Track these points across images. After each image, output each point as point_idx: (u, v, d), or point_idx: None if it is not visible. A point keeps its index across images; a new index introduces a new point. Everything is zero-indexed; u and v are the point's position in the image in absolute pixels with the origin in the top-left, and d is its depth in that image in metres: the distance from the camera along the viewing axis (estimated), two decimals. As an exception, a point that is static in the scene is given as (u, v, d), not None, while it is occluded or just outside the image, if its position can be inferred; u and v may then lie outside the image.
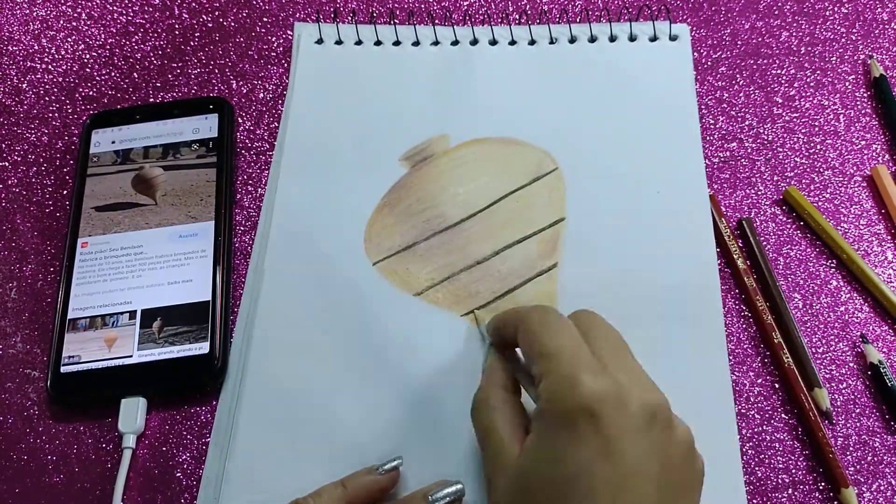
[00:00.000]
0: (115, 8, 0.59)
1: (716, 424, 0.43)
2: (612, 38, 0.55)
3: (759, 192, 0.51)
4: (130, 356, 0.45)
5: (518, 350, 0.40)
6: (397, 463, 0.41)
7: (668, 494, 0.32)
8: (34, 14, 0.59)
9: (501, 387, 0.39)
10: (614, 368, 0.34)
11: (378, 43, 0.56)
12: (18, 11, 0.59)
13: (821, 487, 0.42)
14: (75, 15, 0.59)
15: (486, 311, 0.46)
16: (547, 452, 0.33)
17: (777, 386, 0.45)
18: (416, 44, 0.55)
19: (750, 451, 0.43)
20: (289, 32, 0.57)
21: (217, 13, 0.59)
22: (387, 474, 0.40)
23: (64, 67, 0.57)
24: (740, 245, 0.49)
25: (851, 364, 0.46)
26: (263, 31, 0.58)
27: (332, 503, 0.38)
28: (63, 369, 0.45)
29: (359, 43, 0.56)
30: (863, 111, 0.53)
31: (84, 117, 0.55)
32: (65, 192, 0.52)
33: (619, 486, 0.31)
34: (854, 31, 0.56)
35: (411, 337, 0.45)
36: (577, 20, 0.56)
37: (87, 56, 0.57)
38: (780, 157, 0.52)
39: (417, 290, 0.47)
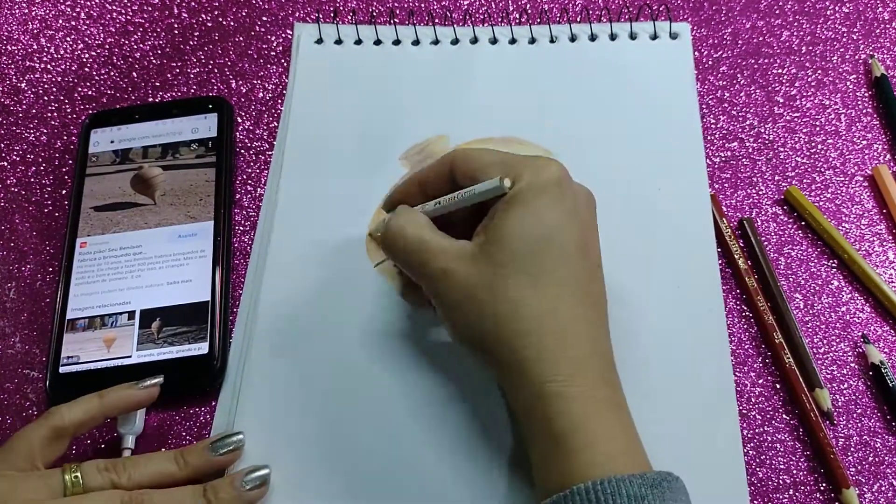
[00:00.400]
0: (114, 7, 0.59)
1: (718, 424, 0.43)
2: (613, 37, 0.55)
3: (760, 192, 0.51)
4: (129, 356, 0.45)
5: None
6: (157, 381, 0.42)
7: (598, 253, 0.41)
8: (33, 14, 0.59)
9: (415, 213, 0.42)
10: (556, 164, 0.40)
11: (378, 42, 0.55)
12: (18, 11, 0.59)
13: (822, 488, 0.42)
14: (74, 14, 0.59)
15: None
16: (528, 216, 0.38)
17: (778, 386, 0.45)
18: (416, 43, 0.55)
19: (751, 452, 0.43)
20: (288, 32, 0.57)
21: (216, 13, 0.59)
22: (145, 389, 0.42)
23: (63, 67, 0.57)
24: (741, 245, 0.48)
25: (853, 364, 0.45)
26: (263, 30, 0.58)
27: (87, 411, 0.41)
28: (62, 369, 0.45)
29: (358, 42, 0.56)
30: (864, 111, 0.53)
31: (83, 117, 0.54)
32: (64, 191, 0.52)
33: (583, 243, 0.39)
34: (855, 30, 0.56)
35: (411, 336, 0.45)
36: (578, 19, 0.56)
37: (86, 56, 0.57)
38: (781, 156, 0.52)
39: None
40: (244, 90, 0.55)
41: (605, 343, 0.39)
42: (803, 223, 0.50)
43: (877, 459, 0.43)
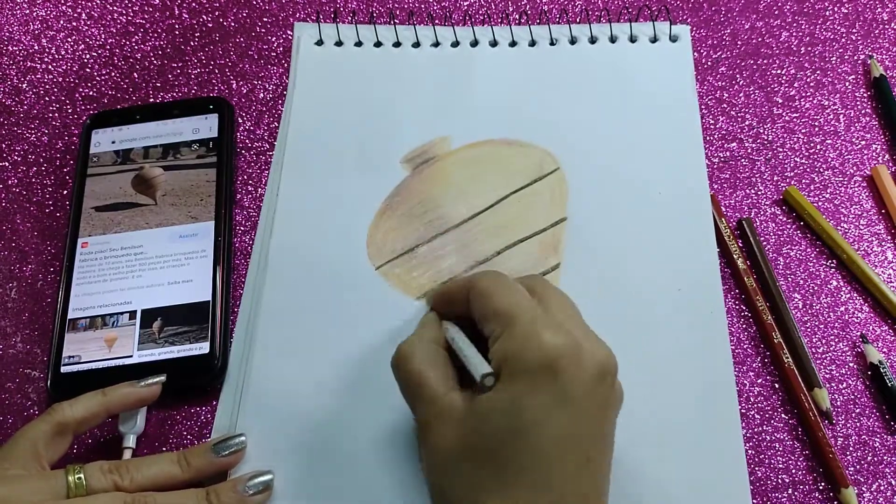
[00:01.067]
0: (115, 8, 0.59)
1: (719, 424, 0.43)
2: (613, 39, 0.55)
3: (759, 192, 0.51)
4: (130, 356, 0.45)
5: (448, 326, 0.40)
6: (160, 379, 0.43)
7: (608, 444, 0.36)
8: (34, 14, 0.59)
9: (433, 341, 0.39)
10: (569, 326, 0.36)
11: (378, 44, 0.56)
12: (18, 11, 0.59)
13: (821, 487, 0.42)
14: (75, 15, 0.59)
15: None
16: (504, 402, 0.34)
17: (777, 386, 0.45)
18: (417, 45, 0.55)
19: (750, 451, 0.43)
20: (289, 32, 0.57)
21: (217, 13, 0.59)
22: (147, 387, 0.42)
23: (64, 67, 0.57)
24: (740, 245, 0.49)
25: (851, 364, 0.46)
26: (263, 31, 0.58)
27: (89, 408, 0.41)
28: (63, 369, 0.45)
29: (359, 44, 0.56)
30: (863, 111, 0.53)
31: (84, 117, 0.55)
32: (65, 192, 0.52)
33: (569, 439, 0.34)
34: (854, 31, 0.56)
35: None
36: (577, 20, 0.56)
37: (87, 56, 0.57)
38: (780, 157, 0.52)
39: (420, 293, 0.47)
40: (245, 91, 0.55)
41: None
42: (802, 223, 0.50)
43: (875, 459, 0.43)
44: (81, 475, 0.38)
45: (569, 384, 0.34)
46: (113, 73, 0.57)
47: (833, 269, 0.48)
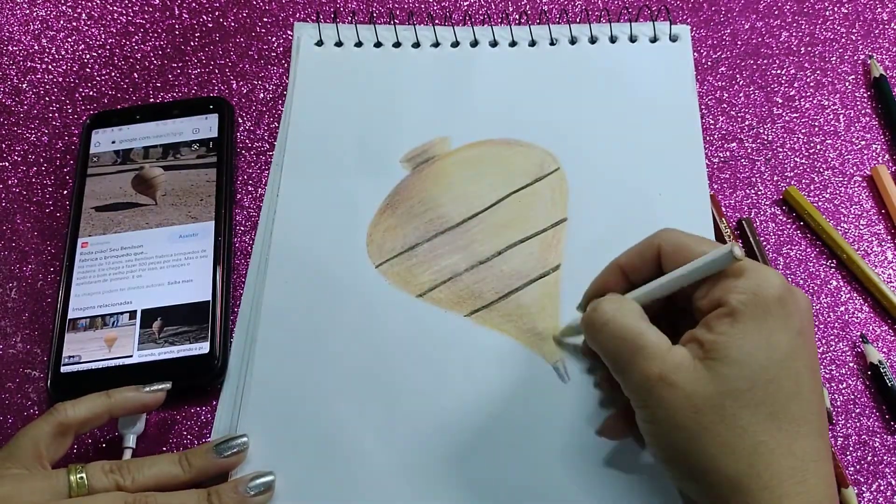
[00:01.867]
0: (115, 8, 0.59)
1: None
2: (613, 40, 0.55)
3: (759, 192, 0.51)
4: (130, 356, 0.45)
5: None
6: (164, 387, 0.43)
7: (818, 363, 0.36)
8: (34, 14, 0.59)
9: (632, 302, 0.38)
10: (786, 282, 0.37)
11: (378, 44, 0.56)
12: (18, 11, 0.59)
13: (821, 487, 0.42)
14: (75, 15, 0.59)
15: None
16: (761, 339, 0.34)
17: (777, 386, 0.45)
18: (417, 45, 0.55)
19: (750, 451, 0.43)
20: (289, 32, 0.57)
21: (217, 13, 0.59)
22: (152, 394, 0.42)
23: (64, 67, 0.57)
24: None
25: (851, 364, 0.46)
26: (263, 31, 0.58)
27: (92, 409, 0.41)
28: (63, 369, 0.45)
29: (359, 45, 0.56)
30: (863, 111, 0.53)
31: (84, 117, 0.55)
32: (65, 192, 0.52)
33: (814, 365, 0.35)
34: (854, 31, 0.56)
35: (414, 337, 0.45)
36: (577, 20, 0.56)
37: (87, 56, 0.57)
38: (780, 157, 0.52)
39: (420, 292, 0.47)
40: (245, 91, 0.55)
41: (833, 478, 0.35)
42: (802, 223, 0.50)
43: (875, 459, 0.43)
44: (83, 475, 0.38)
45: (799, 317, 0.35)
46: (113, 73, 0.57)
47: (833, 269, 0.48)
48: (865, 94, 0.54)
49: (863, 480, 0.42)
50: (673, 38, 0.55)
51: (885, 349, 0.46)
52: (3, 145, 0.54)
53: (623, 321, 0.36)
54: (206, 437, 0.44)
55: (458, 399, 0.43)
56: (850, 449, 0.43)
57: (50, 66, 0.57)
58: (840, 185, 0.51)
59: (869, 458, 0.43)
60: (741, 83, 0.55)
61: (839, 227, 0.49)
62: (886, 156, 0.52)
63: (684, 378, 0.34)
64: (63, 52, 0.58)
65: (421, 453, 0.42)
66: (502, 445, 0.42)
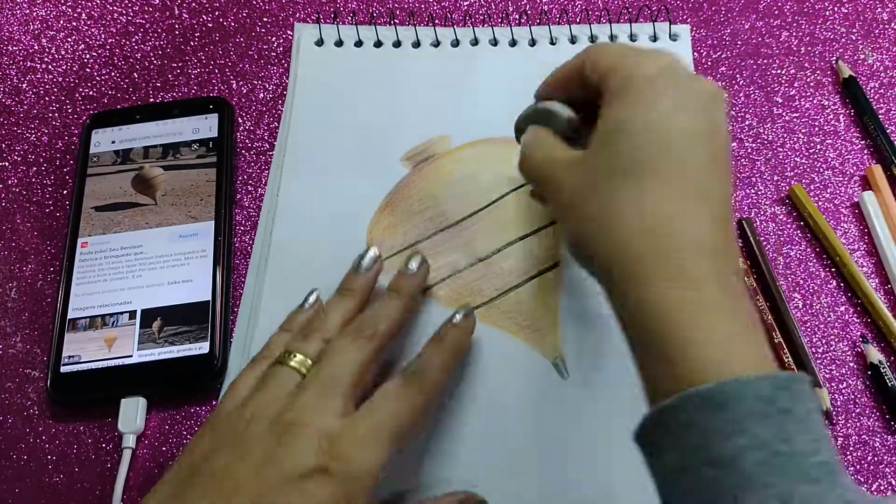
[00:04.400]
0: (115, 8, 0.59)
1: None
2: (613, 38, 0.55)
3: (759, 192, 0.51)
4: (130, 356, 0.45)
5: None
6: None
7: (730, 156, 0.36)
8: (34, 14, 0.59)
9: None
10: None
11: (378, 44, 0.56)
12: (18, 11, 0.59)
13: (821, 487, 0.42)
14: (75, 15, 0.59)
15: (488, 309, 0.46)
16: (629, 109, 0.35)
17: (777, 386, 0.45)
18: (417, 45, 0.55)
19: (750, 451, 0.43)
20: (289, 32, 0.57)
21: (217, 13, 0.59)
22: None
23: (64, 67, 0.57)
24: (740, 245, 0.49)
25: (851, 364, 0.46)
26: (263, 31, 0.58)
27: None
28: (63, 369, 0.45)
29: (359, 44, 0.56)
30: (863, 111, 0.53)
31: (84, 117, 0.55)
32: (65, 192, 0.52)
33: (699, 131, 0.35)
34: (854, 31, 0.56)
35: (414, 335, 0.45)
36: (578, 21, 0.56)
37: (87, 56, 0.57)
38: (780, 156, 0.52)
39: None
40: (245, 91, 0.55)
41: (723, 245, 0.34)
42: (802, 223, 0.50)
43: (876, 459, 0.43)
44: (296, 354, 0.39)
45: (685, 88, 0.35)
46: (113, 73, 0.57)
47: (833, 270, 0.48)
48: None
49: (863, 480, 0.42)
50: (673, 38, 0.55)
51: (885, 349, 0.46)
52: (3, 145, 0.54)
53: (533, 152, 0.41)
54: (206, 437, 0.44)
55: (457, 396, 0.44)
56: (850, 449, 0.43)
57: (50, 66, 0.57)
58: (840, 185, 0.51)
59: (869, 458, 0.43)
60: (741, 83, 0.54)
61: (839, 228, 0.49)
62: (866, 153, 0.52)
63: (570, 171, 0.37)
64: (63, 52, 0.58)
65: (421, 451, 0.42)
66: (502, 442, 0.42)
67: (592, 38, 0.55)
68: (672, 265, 0.32)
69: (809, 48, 0.56)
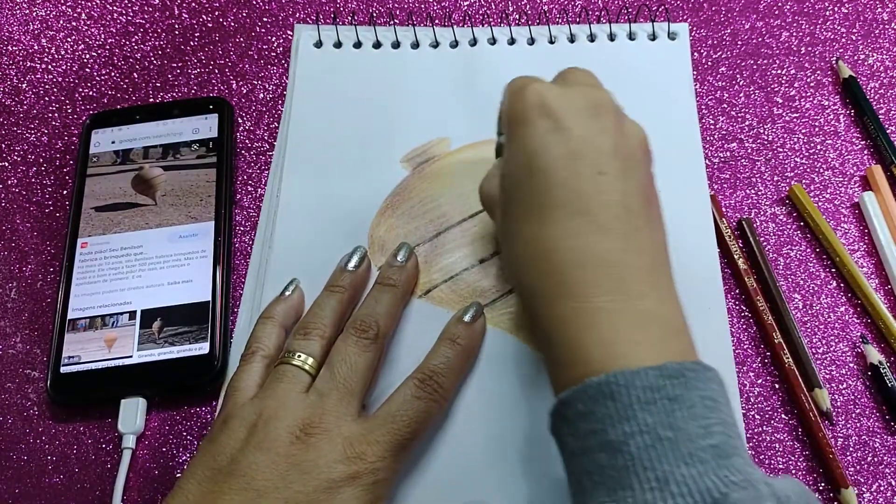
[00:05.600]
0: (114, 8, 0.59)
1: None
2: (612, 38, 0.55)
3: (760, 193, 0.51)
4: (130, 356, 0.45)
5: None
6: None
7: (623, 164, 0.37)
8: (34, 14, 0.59)
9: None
10: (565, 85, 0.40)
11: (377, 45, 0.56)
12: (18, 11, 0.59)
13: (821, 488, 0.42)
14: (75, 15, 0.59)
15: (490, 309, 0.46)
16: (511, 149, 0.39)
17: (777, 386, 0.45)
18: (416, 46, 0.55)
19: (750, 452, 0.43)
20: (289, 32, 0.57)
21: (217, 13, 0.59)
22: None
23: (64, 67, 0.57)
24: (740, 245, 0.49)
25: (851, 364, 0.46)
26: (263, 31, 0.58)
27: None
28: (63, 369, 0.45)
29: (358, 45, 0.56)
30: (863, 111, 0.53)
31: (84, 117, 0.55)
32: (65, 192, 0.52)
33: (573, 155, 0.36)
34: (854, 31, 0.56)
35: (416, 337, 0.45)
36: (577, 20, 0.56)
37: (87, 56, 0.57)
38: (781, 157, 0.52)
39: (421, 292, 0.47)
40: (245, 91, 0.55)
41: (616, 254, 0.35)
42: (802, 223, 0.50)
43: (875, 459, 0.43)
44: (300, 354, 0.41)
45: (559, 114, 0.37)
46: (113, 73, 0.57)
47: (833, 270, 0.48)
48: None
49: (863, 481, 0.42)
50: (671, 36, 0.55)
51: (885, 350, 0.46)
52: (3, 145, 0.54)
53: (482, 188, 0.43)
54: (206, 438, 0.44)
55: (459, 396, 0.43)
56: (850, 449, 0.43)
57: (50, 66, 0.57)
58: (840, 185, 0.51)
59: (869, 458, 0.43)
60: (741, 83, 0.54)
61: (839, 228, 0.49)
62: (866, 153, 0.52)
63: (497, 207, 0.40)
64: (63, 52, 0.57)
65: (422, 451, 0.42)
66: (503, 442, 0.42)
67: (592, 38, 0.55)
68: (563, 283, 0.35)
69: (809, 48, 0.56)
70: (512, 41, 0.55)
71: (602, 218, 0.35)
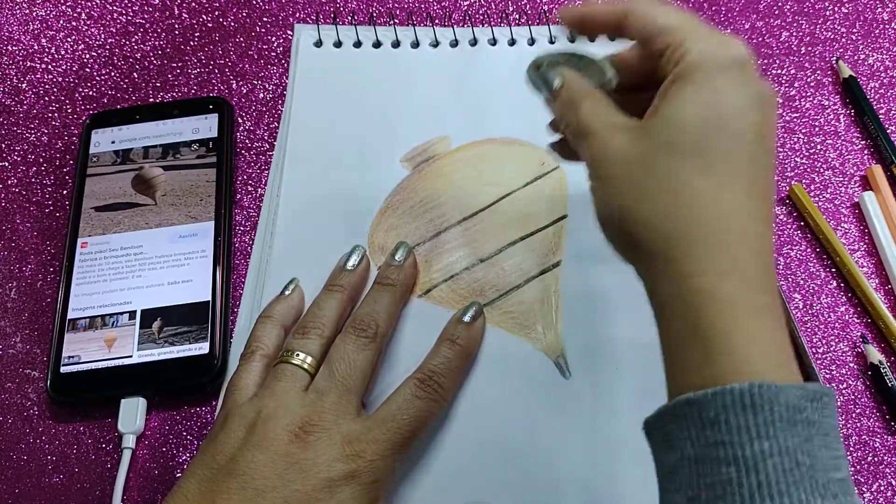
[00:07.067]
0: (114, 8, 0.59)
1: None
2: (612, 37, 0.55)
3: (760, 192, 0.51)
4: (130, 356, 0.45)
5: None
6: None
7: (774, 137, 0.35)
8: (34, 14, 0.59)
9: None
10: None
11: (377, 45, 0.56)
12: (18, 11, 0.59)
13: (821, 487, 0.42)
14: (75, 15, 0.59)
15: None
16: (707, 96, 0.34)
17: (777, 386, 0.45)
18: (416, 45, 0.55)
19: (750, 452, 0.43)
20: (289, 32, 0.57)
21: (217, 13, 0.59)
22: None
23: (64, 67, 0.57)
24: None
25: (852, 364, 0.46)
26: (263, 31, 0.58)
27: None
28: (63, 369, 0.45)
29: (358, 45, 0.56)
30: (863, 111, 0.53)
31: (84, 117, 0.55)
32: (64, 192, 0.52)
33: (768, 133, 0.34)
34: (854, 31, 0.56)
35: (416, 337, 0.45)
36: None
37: (87, 56, 0.57)
38: (781, 156, 0.52)
39: (421, 291, 0.47)
40: (245, 91, 0.55)
41: (769, 245, 0.33)
42: (802, 223, 0.50)
43: (876, 459, 0.43)
44: (299, 353, 0.40)
45: (760, 86, 0.34)
46: (113, 73, 0.57)
47: (834, 270, 0.48)
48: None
49: (863, 480, 0.42)
50: (673, 38, 0.55)
51: (885, 350, 0.46)
52: (3, 145, 0.54)
53: (580, 101, 0.37)
54: (206, 438, 0.44)
55: (459, 396, 0.43)
56: (851, 449, 0.43)
57: (50, 66, 0.57)
58: (840, 185, 0.51)
59: (869, 458, 0.43)
60: (741, 83, 0.54)
61: (839, 228, 0.49)
62: (866, 154, 0.52)
63: (623, 136, 0.35)
64: (63, 52, 0.57)
65: (422, 451, 0.42)
66: (504, 441, 0.42)
67: (591, 37, 0.55)
68: (726, 260, 0.31)
69: (809, 48, 0.56)
70: (512, 41, 0.55)
71: (771, 210, 0.34)
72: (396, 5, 0.58)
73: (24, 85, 0.56)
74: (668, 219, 0.33)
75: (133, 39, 0.58)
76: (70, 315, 0.47)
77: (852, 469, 0.43)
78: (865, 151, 0.52)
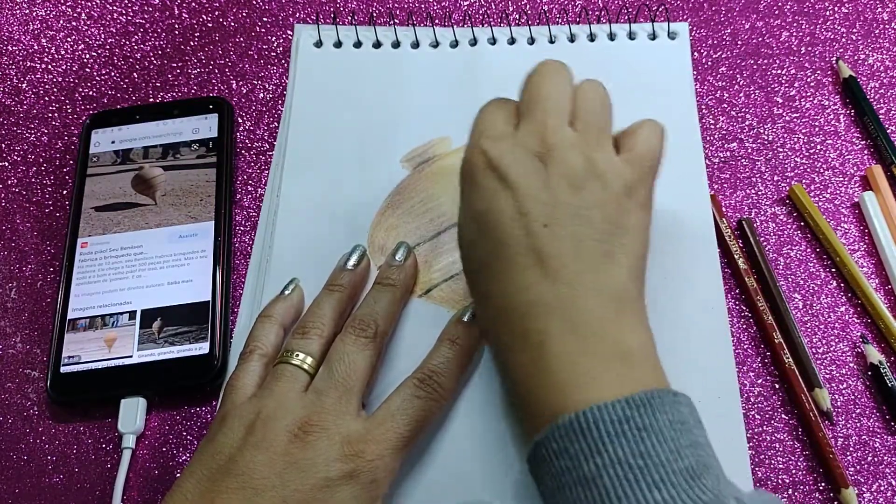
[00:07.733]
0: (114, 8, 0.59)
1: (722, 423, 0.42)
2: (612, 37, 0.55)
3: (760, 192, 0.51)
4: (130, 356, 0.45)
5: None
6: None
7: (575, 206, 0.37)
8: (34, 14, 0.59)
9: None
10: (522, 121, 0.40)
11: (377, 45, 0.56)
12: (18, 11, 0.59)
13: (821, 488, 0.42)
14: (75, 15, 0.59)
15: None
16: (462, 208, 0.40)
17: (777, 386, 0.45)
18: (416, 45, 0.55)
19: (750, 452, 0.43)
20: (289, 32, 0.57)
21: (217, 13, 0.59)
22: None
23: (64, 67, 0.57)
24: (740, 245, 0.49)
25: (852, 364, 0.46)
26: (263, 31, 0.58)
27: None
28: (63, 369, 0.45)
29: (358, 45, 0.56)
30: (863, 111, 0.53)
31: (84, 117, 0.55)
32: (64, 192, 0.52)
33: (520, 212, 0.37)
34: (854, 31, 0.56)
35: (416, 337, 0.45)
36: (577, 20, 0.56)
37: (87, 56, 0.57)
38: (781, 157, 0.52)
39: (421, 291, 0.47)
40: (245, 91, 0.55)
41: (563, 296, 0.36)
42: (802, 223, 0.50)
43: (876, 459, 0.43)
44: (298, 353, 0.41)
45: (506, 172, 0.38)
46: (113, 73, 0.57)
47: (833, 270, 0.48)
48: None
49: (863, 481, 0.42)
50: (671, 35, 0.55)
51: (885, 350, 0.46)
52: (3, 145, 0.54)
53: None
54: (206, 438, 0.44)
55: (459, 396, 0.43)
56: (850, 449, 0.43)
57: (50, 66, 0.57)
58: (840, 185, 0.51)
59: (869, 458, 0.43)
60: (741, 83, 0.54)
61: (839, 228, 0.49)
62: (867, 154, 0.52)
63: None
64: (63, 52, 0.57)
65: (422, 451, 0.42)
66: (503, 441, 0.42)
67: (591, 37, 0.55)
68: (521, 335, 0.36)
69: (809, 48, 0.56)
70: (512, 41, 0.55)
71: (552, 266, 0.36)
72: (396, 5, 0.58)
73: (24, 85, 0.56)
74: (484, 318, 0.40)
75: (133, 39, 0.58)
76: (70, 315, 0.47)
77: (852, 469, 0.43)
78: (865, 151, 0.52)
